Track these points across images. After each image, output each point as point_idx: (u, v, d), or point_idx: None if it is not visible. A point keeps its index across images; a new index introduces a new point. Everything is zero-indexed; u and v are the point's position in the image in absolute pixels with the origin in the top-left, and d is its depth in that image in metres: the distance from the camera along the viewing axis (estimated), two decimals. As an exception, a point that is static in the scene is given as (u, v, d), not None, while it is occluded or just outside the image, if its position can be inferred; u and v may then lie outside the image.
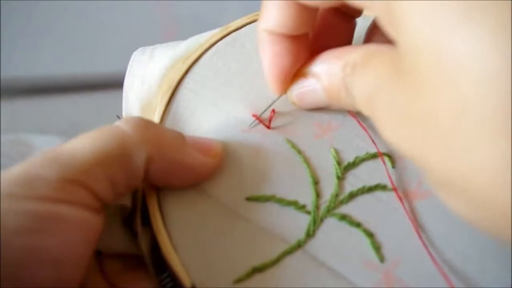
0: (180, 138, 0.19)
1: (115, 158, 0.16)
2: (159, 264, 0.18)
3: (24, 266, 0.14)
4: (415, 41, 0.13)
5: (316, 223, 0.18)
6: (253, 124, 0.20)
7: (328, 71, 0.18)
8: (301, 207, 0.18)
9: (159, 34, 0.58)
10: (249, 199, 0.18)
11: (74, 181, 0.15)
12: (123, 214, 0.19)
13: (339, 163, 0.19)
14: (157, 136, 0.17)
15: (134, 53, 0.22)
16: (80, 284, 0.16)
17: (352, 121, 0.21)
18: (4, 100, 0.53)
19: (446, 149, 0.12)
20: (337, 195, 0.19)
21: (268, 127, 0.20)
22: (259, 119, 0.20)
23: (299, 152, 0.20)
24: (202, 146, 0.19)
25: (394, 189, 0.19)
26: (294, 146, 0.20)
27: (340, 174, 0.19)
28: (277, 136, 0.20)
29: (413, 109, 0.13)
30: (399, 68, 0.14)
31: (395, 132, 0.15)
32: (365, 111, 0.17)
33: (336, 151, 0.20)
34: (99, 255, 0.18)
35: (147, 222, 0.18)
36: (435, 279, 0.17)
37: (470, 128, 0.11)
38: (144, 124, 0.17)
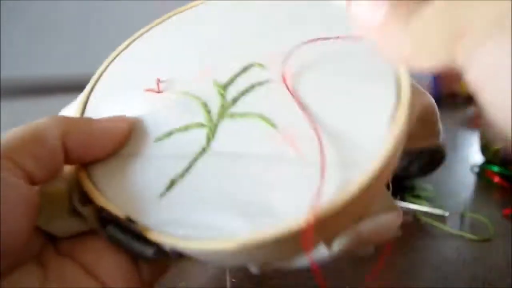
0: (89, 118, 0.21)
1: (33, 136, 0.18)
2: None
3: None
4: None
5: (212, 129, 0.21)
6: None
7: None
8: (199, 125, 0.21)
9: (159, 34, 0.57)
10: (156, 140, 0.21)
11: (2, 154, 0.17)
12: (71, 201, 0.21)
13: (219, 85, 0.23)
14: (67, 117, 0.20)
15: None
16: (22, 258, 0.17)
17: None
18: (4, 100, 0.53)
19: None
20: (223, 105, 0.22)
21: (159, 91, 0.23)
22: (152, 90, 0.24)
23: (187, 94, 0.23)
24: (110, 117, 0.22)
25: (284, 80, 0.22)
26: (185, 93, 0.23)
27: (222, 91, 0.22)
28: (168, 95, 0.23)
29: None
30: None
31: None
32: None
33: (216, 82, 0.23)
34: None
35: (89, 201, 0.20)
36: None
37: None
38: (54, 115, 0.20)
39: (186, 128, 0.22)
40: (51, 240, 0.20)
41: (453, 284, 0.28)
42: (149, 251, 0.18)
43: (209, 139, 0.21)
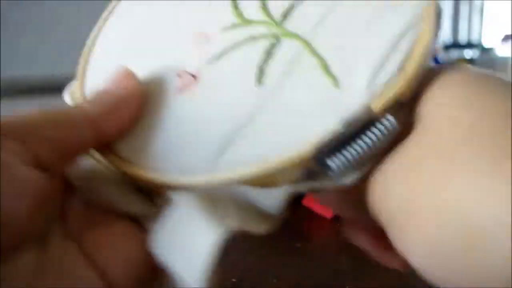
0: (98, 92, 0.19)
1: (51, 118, 0.17)
2: None
3: None
4: None
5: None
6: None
7: None
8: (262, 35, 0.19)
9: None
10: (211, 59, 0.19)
11: (8, 133, 0.15)
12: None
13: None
14: (83, 102, 0.19)
15: None
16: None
17: None
18: (4, 100, 0.53)
19: None
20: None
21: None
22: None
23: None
24: (114, 79, 0.19)
25: None
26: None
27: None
28: None
29: None
30: None
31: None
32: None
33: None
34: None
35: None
36: None
37: None
38: None
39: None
40: (63, 218, 0.18)
41: (453, 284, 0.28)
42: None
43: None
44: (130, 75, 0.20)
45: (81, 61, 0.23)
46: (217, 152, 0.17)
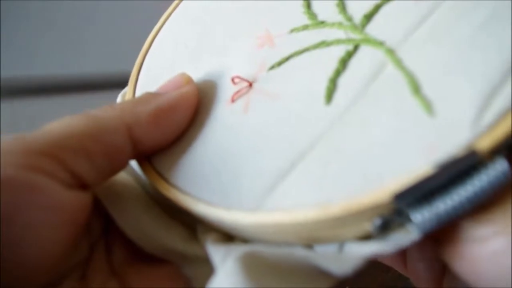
0: (147, 93, 0.17)
1: (85, 129, 0.14)
2: None
3: None
4: None
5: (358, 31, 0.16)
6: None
7: None
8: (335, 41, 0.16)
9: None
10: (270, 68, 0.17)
11: (41, 151, 0.13)
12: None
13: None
14: (126, 104, 0.16)
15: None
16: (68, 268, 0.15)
17: None
18: (4, 100, 0.53)
19: None
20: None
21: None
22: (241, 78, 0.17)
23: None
24: (170, 84, 0.18)
25: None
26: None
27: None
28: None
29: None
30: None
31: None
32: None
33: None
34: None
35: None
36: None
37: None
38: (110, 105, 0.17)
39: (313, 47, 0.16)
40: (107, 245, 0.16)
41: (453, 284, 0.28)
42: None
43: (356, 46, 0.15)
44: (187, 79, 0.17)
45: (138, 59, 0.21)
46: (268, 186, 0.13)
